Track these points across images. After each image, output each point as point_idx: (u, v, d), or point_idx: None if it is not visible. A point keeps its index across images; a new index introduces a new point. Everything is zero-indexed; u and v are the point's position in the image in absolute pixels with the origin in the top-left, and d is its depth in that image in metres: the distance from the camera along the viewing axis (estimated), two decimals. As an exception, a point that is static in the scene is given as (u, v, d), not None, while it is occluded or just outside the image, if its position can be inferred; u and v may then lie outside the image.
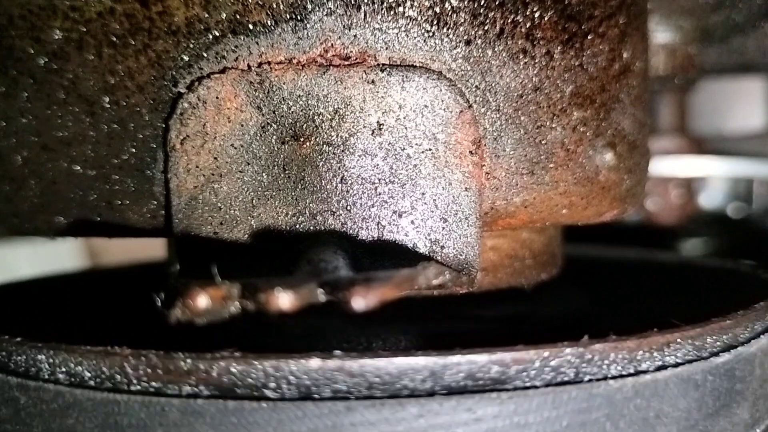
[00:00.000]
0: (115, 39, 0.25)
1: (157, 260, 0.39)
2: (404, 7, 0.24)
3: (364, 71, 0.24)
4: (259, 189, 0.25)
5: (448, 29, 0.25)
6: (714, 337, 0.24)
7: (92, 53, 0.25)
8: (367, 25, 0.24)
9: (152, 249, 0.39)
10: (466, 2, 0.25)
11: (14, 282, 0.37)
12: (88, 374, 0.21)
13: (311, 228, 0.24)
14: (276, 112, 0.24)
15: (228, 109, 0.24)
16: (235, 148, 0.24)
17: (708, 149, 0.69)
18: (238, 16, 0.24)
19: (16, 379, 0.22)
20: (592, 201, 0.28)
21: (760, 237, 0.73)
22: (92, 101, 0.25)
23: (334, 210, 0.24)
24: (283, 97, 0.24)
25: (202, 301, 0.19)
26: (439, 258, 0.25)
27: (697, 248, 0.69)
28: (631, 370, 0.22)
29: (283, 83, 0.24)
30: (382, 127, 0.24)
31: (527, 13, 0.25)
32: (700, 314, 0.24)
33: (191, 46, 0.24)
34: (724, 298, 0.28)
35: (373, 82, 0.24)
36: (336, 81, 0.24)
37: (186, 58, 0.24)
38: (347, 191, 0.24)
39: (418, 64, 0.25)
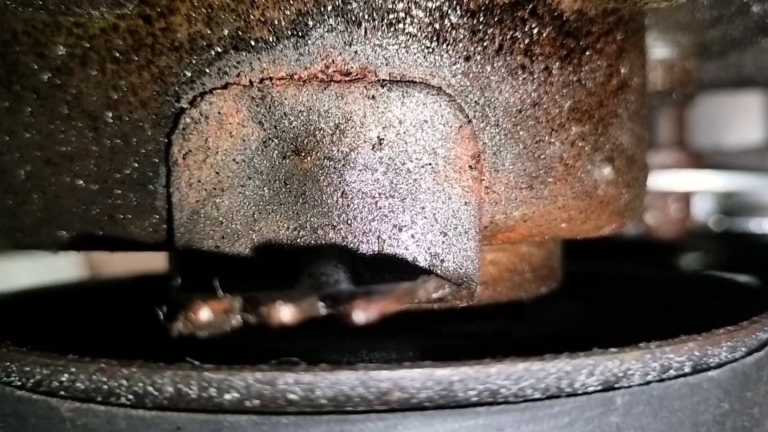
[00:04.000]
0: (118, 55, 0.25)
1: (156, 272, 0.40)
2: (404, 24, 0.24)
3: (365, 87, 0.24)
4: (261, 203, 0.25)
5: (447, 45, 0.25)
6: (718, 347, 0.24)
7: (95, 69, 0.25)
8: (367, 42, 0.24)
9: (152, 264, 0.39)
10: (465, 19, 0.25)
11: (12, 292, 0.37)
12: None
13: (312, 242, 0.25)
14: (277, 127, 0.24)
15: (230, 124, 0.24)
16: (237, 162, 0.25)
17: (706, 163, 0.69)
18: (240, 33, 0.24)
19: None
20: (591, 215, 0.28)
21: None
22: (95, 116, 0.25)
23: (334, 224, 0.25)
24: (284, 113, 0.24)
25: (204, 314, 0.20)
26: (439, 271, 0.25)
27: (696, 262, 0.69)
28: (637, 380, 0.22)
29: (285, 99, 0.24)
30: (382, 142, 0.24)
31: (526, 30, 0.26)
32: (700, 326, 0.24)
33: (194, 61, 0.24)
34: (723, 312, 0.28)
35: (373, 97, 0.24)
36: (337, 96, 0.24)
37: (188, 74, 0.25)
38: (348, 205, 0.25)
39: (418, 80, 0.25)
